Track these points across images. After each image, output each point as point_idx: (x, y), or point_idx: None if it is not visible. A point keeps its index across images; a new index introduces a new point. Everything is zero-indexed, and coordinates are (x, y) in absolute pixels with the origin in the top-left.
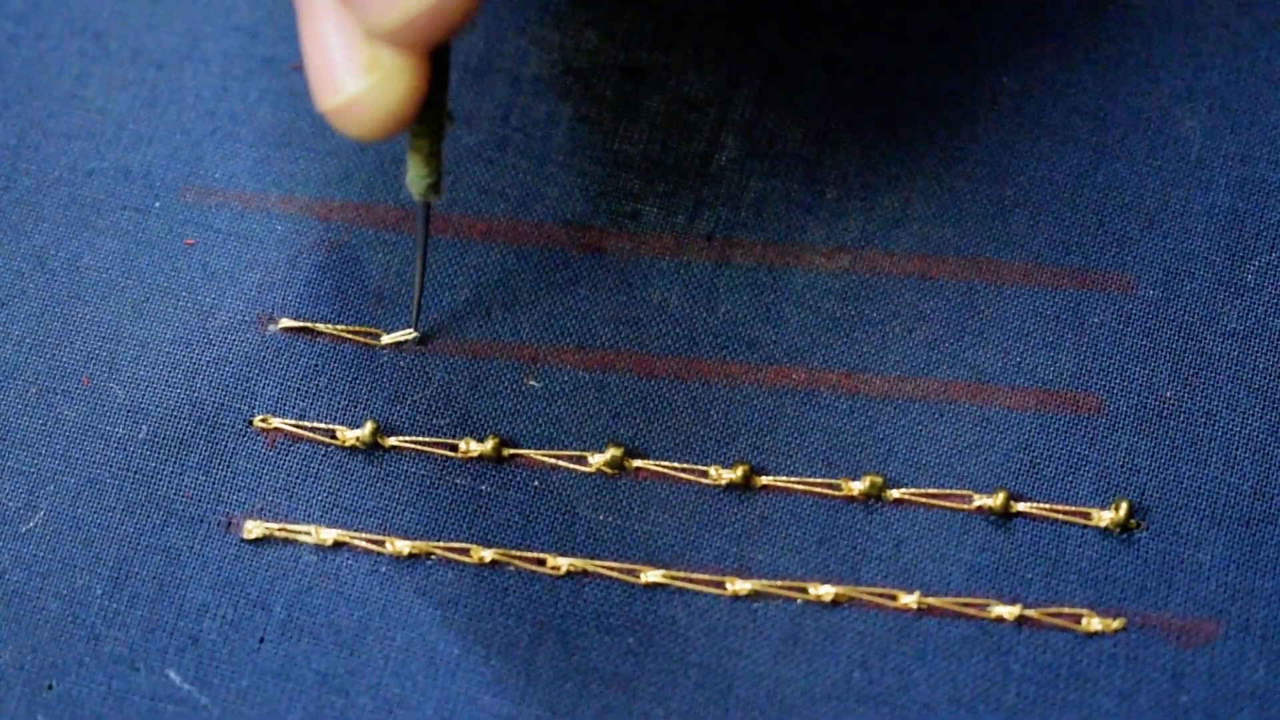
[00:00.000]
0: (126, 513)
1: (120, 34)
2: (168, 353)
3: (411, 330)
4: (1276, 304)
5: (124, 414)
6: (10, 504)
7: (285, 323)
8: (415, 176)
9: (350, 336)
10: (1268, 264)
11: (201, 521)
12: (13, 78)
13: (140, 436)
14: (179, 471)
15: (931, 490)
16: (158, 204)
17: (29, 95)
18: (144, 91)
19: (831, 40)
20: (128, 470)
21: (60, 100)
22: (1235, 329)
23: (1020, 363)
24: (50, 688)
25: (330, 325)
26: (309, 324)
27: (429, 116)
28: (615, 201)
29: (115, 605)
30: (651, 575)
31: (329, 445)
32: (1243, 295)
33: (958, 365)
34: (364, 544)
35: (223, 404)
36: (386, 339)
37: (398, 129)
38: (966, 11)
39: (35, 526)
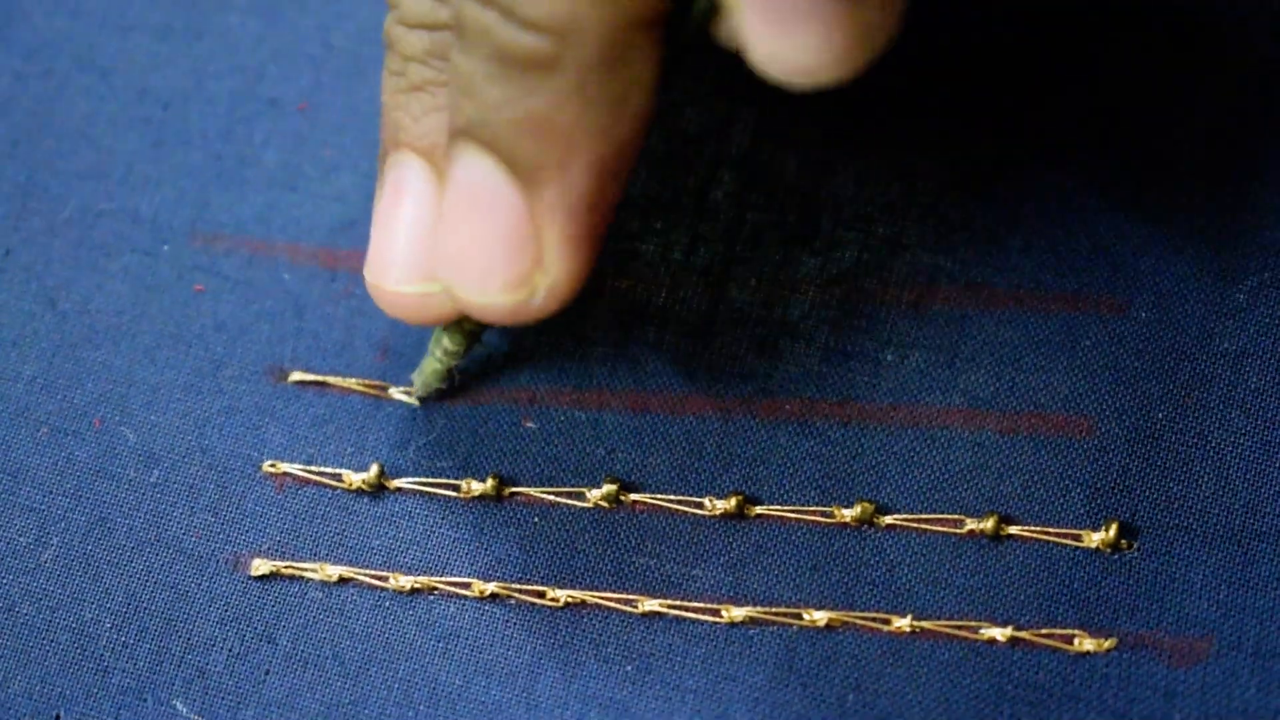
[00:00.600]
0: (136, 550)
1: (126, 72)
2: (178, 399)
3: (415, 392)
4: (1268, 325)
5: (135, 457)
6: (22, 539)
7: (296, 375)
8: (427, 377)
9: (359, 389)
10: (1259, 284)
11: (210, 559)
12: (21, 116)
13: (151, 479)
14: (188, 513)
15: (924, 515)
16: (166, 248)
17: (37, 134)
18: (151, 131)
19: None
20: (138, 510)
21: (68, 139)
22: (1227, 350)
23: (1012, 387)
24: (58, 718)
25: (340, 379)
26: (320, 378)
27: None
28: (613, 242)
29: (124, 638)
30: (649, 604)
31: (335, 488)
32: (1235, 316)
33: (950, 391)
34: (369, 580)
35: (232, 450)
36: (394, 392)
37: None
38: (959, 40)
39: (46, 561)
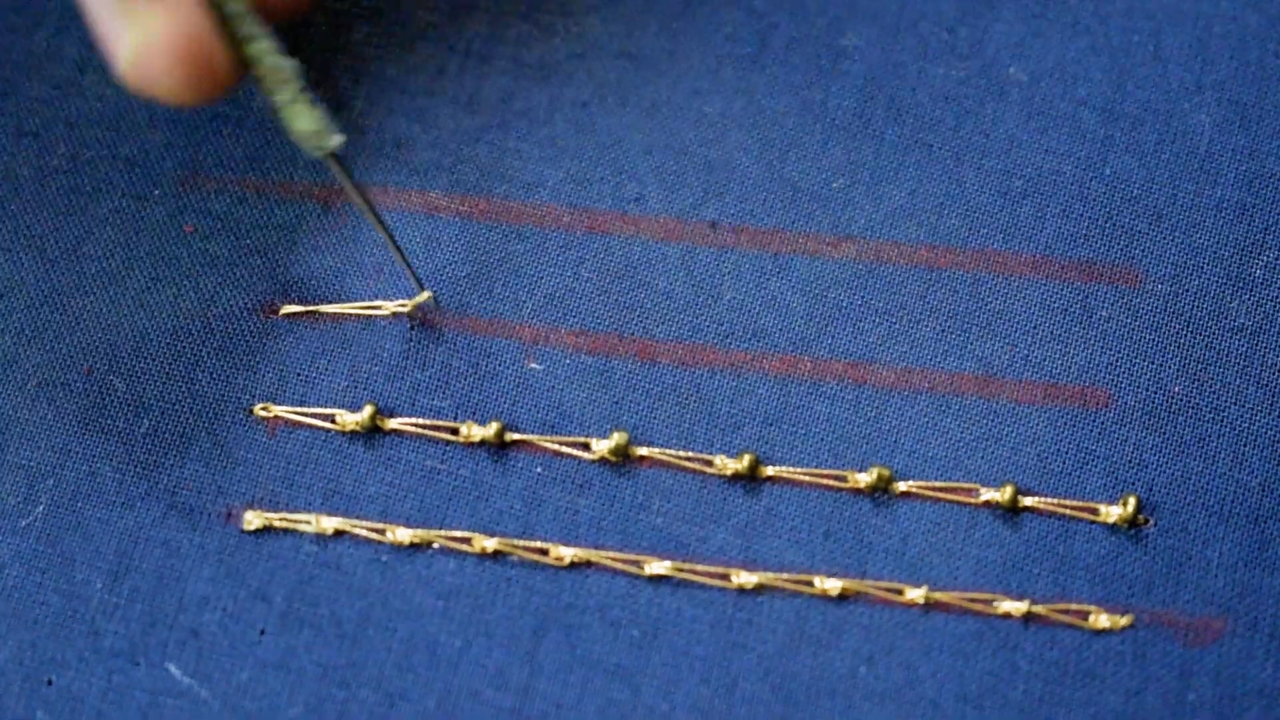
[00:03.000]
0: (127, 506)
1: None
2: (168, 343)
3: (423, 292)
4: None
5: (125, 406)
6: (10, 499)
7: (287, 309)
8: (299, 134)
9: (353, 313)
10: (1277, 259)
11: (202, 513)
12: (11, 66)
13: (141, 429)
14: (179, 464)
15: (938, 483)
16: (157, 191)
17: (27, 81)
18: None
19: (838, 30)
20: (129, 463)
21: (59, 87)
22: (1244, 324)
23: (1028, 355)
24: (50, 683)
25: (331, 306)
26: (311, 307)
27: (261, 64)
28: (618, 185)
29: (115, 599)
30: (656, 567)
31: (329, 431)
32: (1251, 290)
33: (965, 357)
34: (365, 533)
35: (223, 394)
36: (390, 307)
37: (202, 80)
38: (976, 2)
39: (35, 521)
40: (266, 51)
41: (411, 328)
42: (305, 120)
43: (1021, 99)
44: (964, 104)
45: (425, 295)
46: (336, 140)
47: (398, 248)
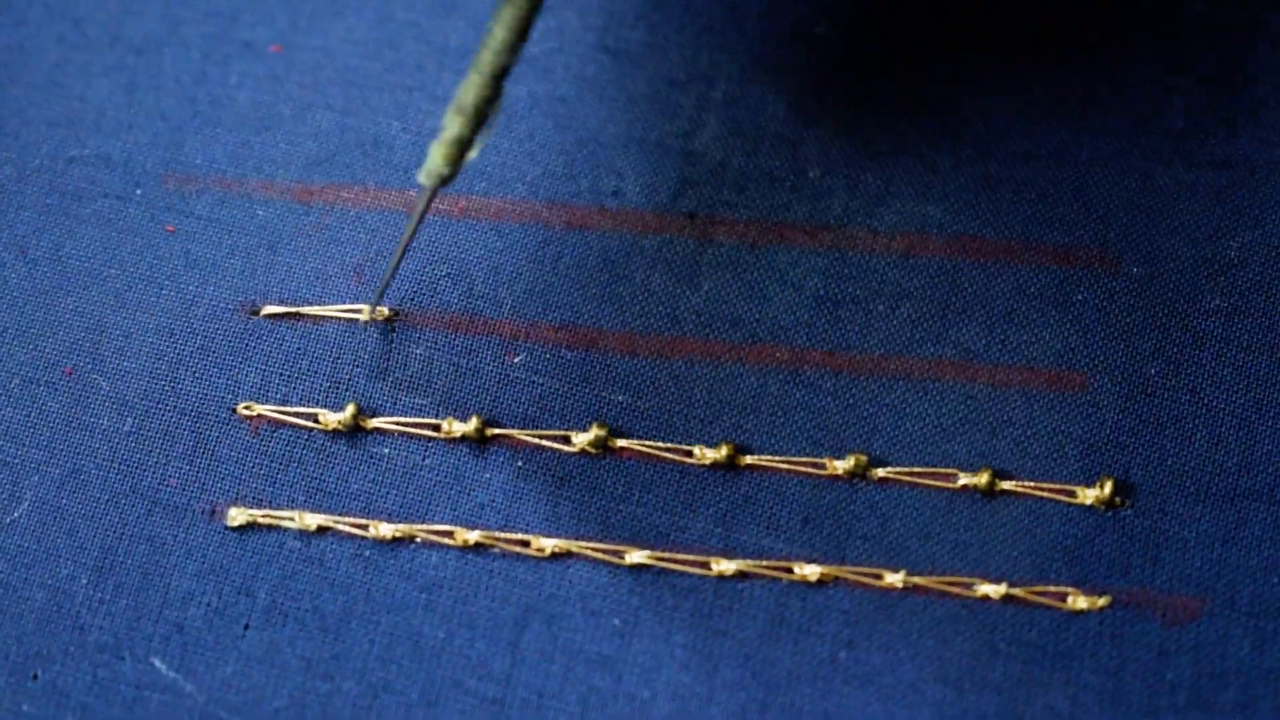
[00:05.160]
0: (111, 502)
1: (99, 20)
2: (151, 342)
3: (379, 308)
4: (1260, 281)
5: (108, 405)
6: None
7: (269, 309)
8: (436, 163)
9: (334, 315)
10: (1251, 241)
11: (186, 510)
12: None
13: (125, 428)
14: (163, 461)
15: (917, 468)
16: (139, 191)
17: (8, 82)
18: (123, 77)
19: (812, 17)
20: (112, 460)
21: (40, 87)
22: (1219, 306)
23: (1005, 340)
24: (35, 677)
25: (312, 308)
26: (292, 308)
27: (477, 103)
28: (597, 179)
29: (100, 594)
30: (637, 556)
31: (311, 430)
32: (1226, 272)
33: (942, 343)
34: (348, 528)
35: (206, 393)
36: (368, 312)
37: None
38: None
39: (20, 517)
40: (475, 88)
41: (392, 324)
42: (435, 157)
43: (995, 84)
44: (938, 89)
45: (377, 310)
46: (433, 183)
47: (397, 265)
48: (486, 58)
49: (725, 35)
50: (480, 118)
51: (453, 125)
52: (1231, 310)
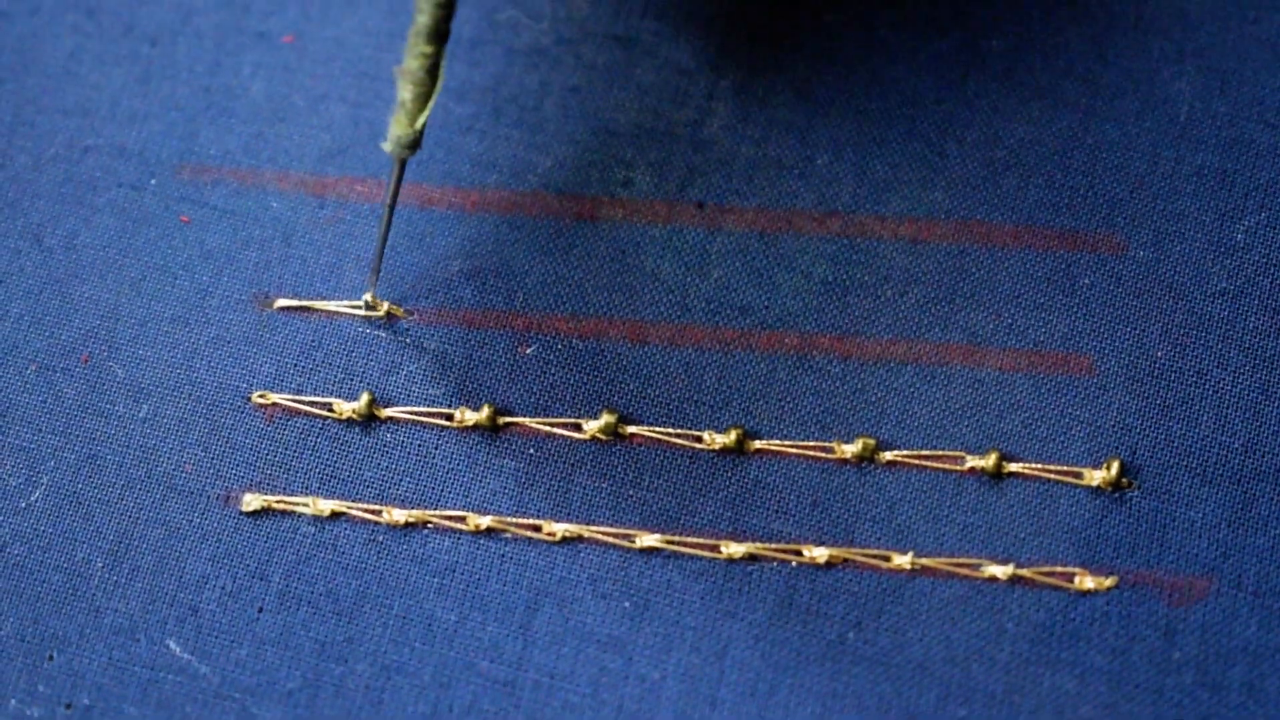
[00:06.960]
0: (126, 488)
1: (113, 9)
2: (166, 331)
3: (372, 296)
4: (1266, 263)
5: (124, 392)
6: (11, 480)
7: (282, 302)
8: (398, 133)
9: (346, 311)
10: (1257, 224)
11: (200, 495)
12: (7, 54)
13: (140, 415)
14: (178, 448)
15: (924, 452)
16: (153, 181)
17: (23, 72)
18: (138, 67)
19: (820, 4)
20: (128, 447)
21: (55, 77)
22: (1226, 289)
23: (1012, 324)
24: (51, 658)
25: (326, 302)
26: (306, 303)
27: (426, 71)
28: (607, 170)
29: (115, 578)
30: (647, 540)
31: (326, 418)
32: (1233, 255)
33: (950, 328)
34: (361, 514)
35: (221, 382)
36: (384, 308)
37: None
38: None
39: (36, 501)
40: (416, 53)
41: (406, 321)
42: (398, 124)
43: (1002, 69)
44: (946, 76)
45: (367, 297)
46: (405, 153)
47: (381, 253)
48: (420, 20)
49: (734, 24)
50: (427, 82)
51: (401, 90)
52: (1238, 292)
